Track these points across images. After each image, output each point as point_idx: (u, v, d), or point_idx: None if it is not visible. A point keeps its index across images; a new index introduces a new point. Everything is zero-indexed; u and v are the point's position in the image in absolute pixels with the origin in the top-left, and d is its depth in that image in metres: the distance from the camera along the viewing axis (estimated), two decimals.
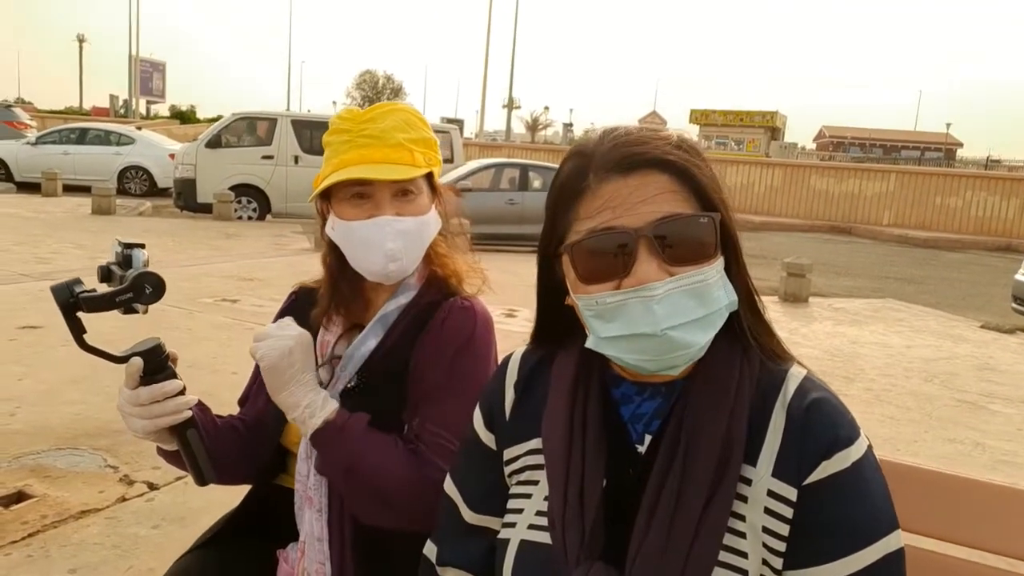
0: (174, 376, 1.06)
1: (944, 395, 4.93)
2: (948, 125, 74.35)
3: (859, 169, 22.45)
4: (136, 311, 1.02)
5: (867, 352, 6.01)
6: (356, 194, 1.23)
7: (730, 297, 0.84)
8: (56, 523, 2.65)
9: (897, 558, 0.81)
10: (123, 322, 1.14)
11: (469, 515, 0.99)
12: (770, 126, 34.96)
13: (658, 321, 0.79)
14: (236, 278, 7.40)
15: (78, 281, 1.00)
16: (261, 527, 1.33)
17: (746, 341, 0.88)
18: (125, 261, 1.02)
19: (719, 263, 0.84)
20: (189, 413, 1.08)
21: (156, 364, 1.03)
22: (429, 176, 1.30)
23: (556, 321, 0.96)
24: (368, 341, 1.26)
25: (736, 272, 0.87)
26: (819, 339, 6.42)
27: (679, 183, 0.83)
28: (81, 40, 63.73)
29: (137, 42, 38.92)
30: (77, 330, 1.02)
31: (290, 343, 1.13)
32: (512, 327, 5.75)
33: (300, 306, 1.40)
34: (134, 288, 1.00)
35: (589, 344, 0.86)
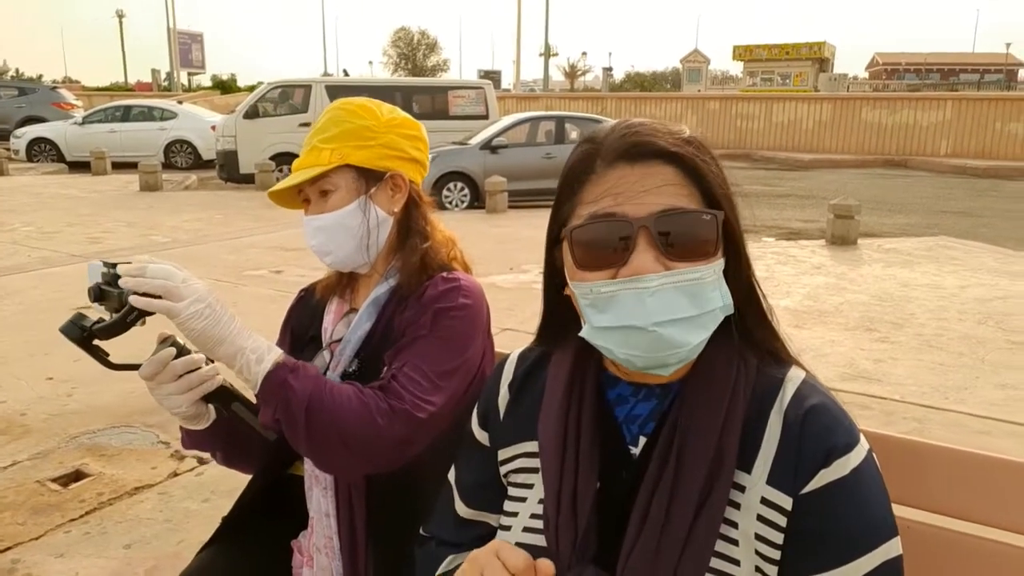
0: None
1: (998, 337, 4.77)
2: (1008, 45, 70.70)
3: (913, 98, 21.55)
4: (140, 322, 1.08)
5: (918, 295, 5.83)
6: (303, 198, 1.30)
7: (725, 300, 0.82)
8: (112, 500, 2.78)
9: (895, 565, 0.80)
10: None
11: (463, 509, 1.00)
12: (818, 58, 33.58)
13: (649, 315, 0.78)
14: (280, 248, 7.53)
15: (82, 315, 1.06)
16: (276, 519, 1.36)
17: (744, 344, 0.86)
18: (113, 280, 1.07)
19: (718, 264, 0.82)
20: (221, 378, 1.13)
21: (179, 351, 1.11)
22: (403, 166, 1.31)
23: (561, 315, 0.95)
24: (363, 324, 1.28)
25: (739, 273, 0.85)
26: (867, 283, 6.25)
27: (685, 177, 0.82)
28: (120, 16, 64.50)
29: (173, 14, 39.24)
30: (100, 356, 1.08)
31: (208, 296, 1.07)
32: None
33: (307, 304, 1.42)
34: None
35: (584, 334, 0.85)
